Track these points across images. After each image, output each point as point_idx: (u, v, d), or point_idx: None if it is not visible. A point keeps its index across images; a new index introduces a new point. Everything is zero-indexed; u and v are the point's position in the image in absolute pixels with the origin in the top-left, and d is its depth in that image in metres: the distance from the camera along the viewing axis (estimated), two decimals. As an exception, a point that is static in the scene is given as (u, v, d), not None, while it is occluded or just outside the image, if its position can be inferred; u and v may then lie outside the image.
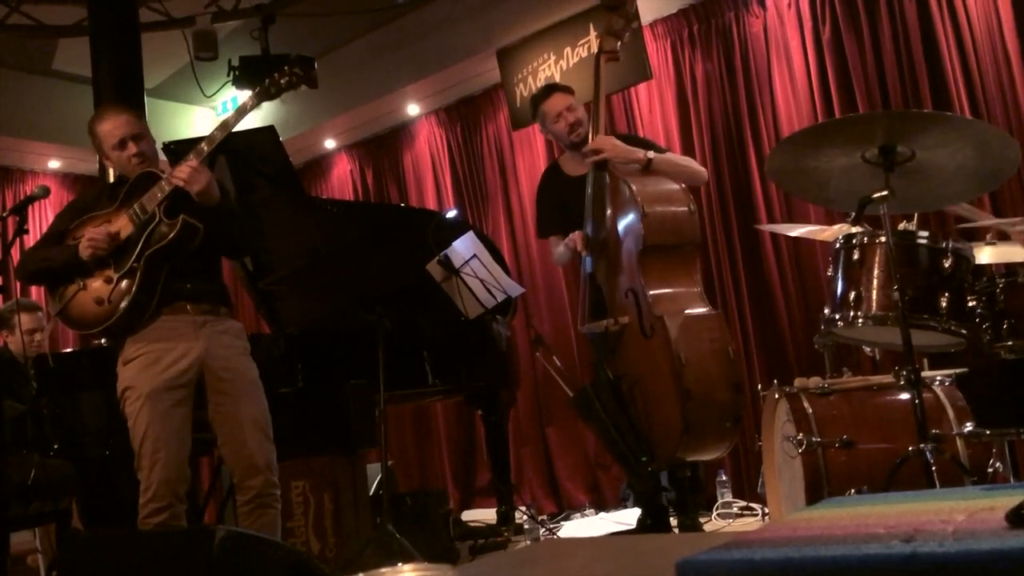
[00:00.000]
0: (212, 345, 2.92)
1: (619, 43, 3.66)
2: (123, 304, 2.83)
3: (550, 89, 3.83)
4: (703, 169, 3.79)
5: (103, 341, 3.18)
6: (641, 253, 3.35)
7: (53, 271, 2.93)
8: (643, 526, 3.76)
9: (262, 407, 2.97)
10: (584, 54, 5.82)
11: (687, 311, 3.35)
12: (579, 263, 3.73)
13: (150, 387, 2.82)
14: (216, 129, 2.91)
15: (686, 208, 3.45)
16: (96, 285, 2.88)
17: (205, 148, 2.89)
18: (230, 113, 2.93)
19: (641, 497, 3.85)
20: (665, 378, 3.24)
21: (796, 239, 5.09)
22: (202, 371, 2.90)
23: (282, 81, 2.96)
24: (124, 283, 2.85)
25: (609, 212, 3.53)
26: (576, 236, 3.57)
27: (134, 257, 2.85)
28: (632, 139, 3.90)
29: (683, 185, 3.53)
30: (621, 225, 3.48)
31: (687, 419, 3.17)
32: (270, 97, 3.00)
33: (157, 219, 2.86)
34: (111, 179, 3.34)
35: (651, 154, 3.54)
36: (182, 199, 2.86)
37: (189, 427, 2.88)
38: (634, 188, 3.40)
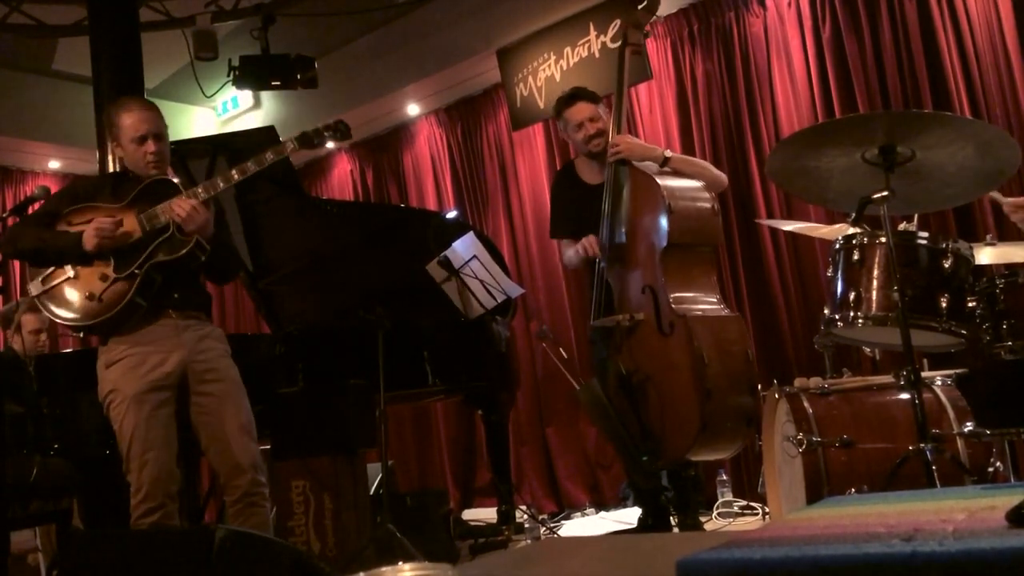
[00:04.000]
0: (194, 348, 2.93)
1: (644, 36, 3.65)
2: (117, 307, 2.83)
3: (575, 96, 3.74)
4: (723, 175, 3.72)
5: (80, 334, 3.17)
6: (664, 250, 3.32)
7: (43, 253, 2.90)
8: (644, 525, 3.76)
9: (245, 408, 2.98)
10: (584, 54, 5.83)
11: (709, 311, 3.34)
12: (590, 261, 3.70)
13: (134, 390, 2.82)
14: (251, 162, 2.91)
15: (710, 207, 3.43)
16: (89, 278, 2.86)
17: (236, 176, 2.90)
18: (271, 149, 2.93)
19: (642, 496, 3.85)
20: (684, 377, 3.22)
21: (796, 240, 5.10)
22: (185, 374, 2.91)
23: (326, 133, 3.00)
24: (120, 285, 2.84)
25: (628, 207, 3.48)
26: (592, 241, 3.52)
27: (137, 264, 2.84)
28: None
29: (705, 184, 3.50)
30: (643, 221, 3.43)
31: (705, 419, 3.15)
32: (312, 146, 3.02)
33: (170, 233, 2.86)
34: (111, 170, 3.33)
35: (668, 152, 3.55)
36: None
37: (175, 427, 2.89)
38: (659, 183, 3.36)
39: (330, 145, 3.04)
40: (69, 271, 2.88)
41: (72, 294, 2.87)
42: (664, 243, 3.31)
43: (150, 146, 2.95)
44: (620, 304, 3.48)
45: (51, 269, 2.90)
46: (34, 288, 2.95)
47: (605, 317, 3.48)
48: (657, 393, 3.31)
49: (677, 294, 3.31)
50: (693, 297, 3.35)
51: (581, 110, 3.67)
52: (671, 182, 3.41)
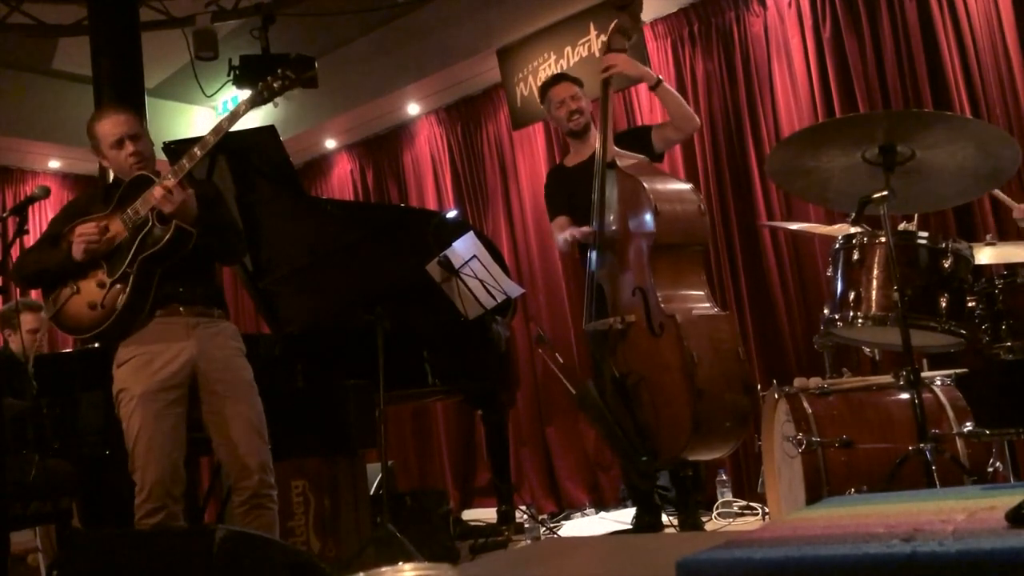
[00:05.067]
0: (205, 346, 2.91)
1: (628, 42, 3.75)
2: (117, 309, 2.83)
3: (558, 78, 4.03)
4: (696, 117, 3.90)
5: (96, 344, 3.17)
6: (652, 251, 3.36)
7: (48, 273, 2.92)
8: (639, 525, 3.76)
9: (256, 408, 2.96)
10: (584, 53, 5.83)
11: (698, 310, 3.37)
12: (580, 261, 3.76)
13: (143, 388, 2.81)
14: (210, 133, 2.89)
15: (697, 208, 3.49)
16: (89, 289, 2.87)
17: (198, 153, 2.87)
18: (224, 116, 2.93)
19: (637, 496, 3.86)
20: (676, 377, 3.24)
21: (796, 239, 5.10)
22: (195, 372, 2.90)
23: (275, 84, 2.94)
24: (117, 287, 2.84)
25: (617, 210, 3.54)
26: (580, 229, 3.60)
27: (127, 262, 2.84)
28: (630, 133, 4.03)
29: (692, 186, 3.64)
30: (631, 223, 3.49)
31: (697, 418, 3.17)
32: (264, 101, 2.98)
33: (150, 224, 2.85)
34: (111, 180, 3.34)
35: (661, 77, 3.73)
36: None
37: (183, 428, 2.88)
38: (646, 187, 3.41)
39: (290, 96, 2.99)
40: (72, 288, 2.89)
41: (78, 308, 2.88)
42: (652, 244, 3.36)
43: (128, 147, 2.96)
44: (613, 307, 3.52)
45: (57, 291, 2.91)
46: (47, 312, 2.98)
47: (598, 320, 3.52)
48: (650, 394, 3.34)
49: (666, 295, 3.35)
50: (683, 297, 3.39)
51: (562, 89, 3.89)
52: (657, 185, 3.47)
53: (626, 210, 3.50)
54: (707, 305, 3.43)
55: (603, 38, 5.71)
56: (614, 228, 3.54)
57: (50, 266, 2.90)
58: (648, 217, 3.38)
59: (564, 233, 3.71)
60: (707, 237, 3.58)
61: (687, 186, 3.60)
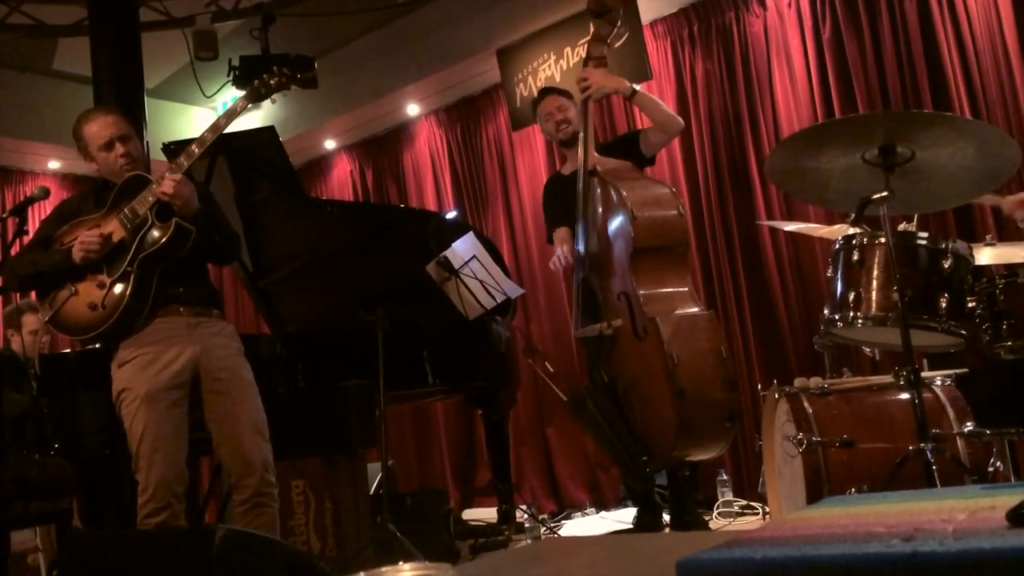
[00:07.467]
0: (207, 346, 2.92)
1: (605, 48, 3.82)
2: (118, 309, 2.83)
3: (544, 92, 4.08)
4: (680, 119, 3.89)
5: (97, 345, 3.17)
6: (632, 256, 3.42)
7: (43, 275, 2.91)
8: (641, 523, 3.78)
9: (257, 407, 2.98)
10: (584, 54, 5.82)
11: (678, 311, 3.41)
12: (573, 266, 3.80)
13: (147, 388, 2.82)
14: (207, 131, 2.89)
15: (675, 211, 3.54)
16: (88, 290, 2.87)
17: (196, 150, 2.87)
18: (221, 114, 2.93)
19: (636, 496, 3.87)
20: (659, 378, 3.28)
21: (796, 240, 5.10)
22: (197, 372, 2.90)
23: (271, 82, 2.95)
24: (118, 287, 2.84)
25: (599, 217, 3.60)
26: (565, 252, 3.67)
27: (127, 261, 2.84)
28: (619, 140, 4.06)
29: (672, 189, 3.67)
30: (611, 229, 3.55)
31: (681, 417, 3.21)
32: (260, 98, 2.98)
33: (149, 223, 2.85)
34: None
35: (637, 86, 3.77)
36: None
37: (186, 427, 2.89)
38: (624, 193, 3.47)
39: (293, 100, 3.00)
40: (70, 289, 2.88)
41: (77, 309, 2.88)
42: (631, 249, 3.41)
43: (118, 149, 2.95)
44: (603, 311, 3.58)
45: (54, 293, 2.91)
46: (43, 314, 2.97)
47: (589, 325, 3.56)
48: (638, 397, 3.39)
49: (648, 298, 3.40)
50: (665, 299, 3.43)
51: (549, 103, 3.96)
52: (636, 190, 3.51)
53: (607, 216, 3.57)
54: (689, 305, 3.46)
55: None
56: (598, 234, 3.59)
57: (46, 268, 2.89)
58: (626, 222, 3.43)
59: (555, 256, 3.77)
60: (687, 239, 3.62)
61: (666, 190, 3.63)
